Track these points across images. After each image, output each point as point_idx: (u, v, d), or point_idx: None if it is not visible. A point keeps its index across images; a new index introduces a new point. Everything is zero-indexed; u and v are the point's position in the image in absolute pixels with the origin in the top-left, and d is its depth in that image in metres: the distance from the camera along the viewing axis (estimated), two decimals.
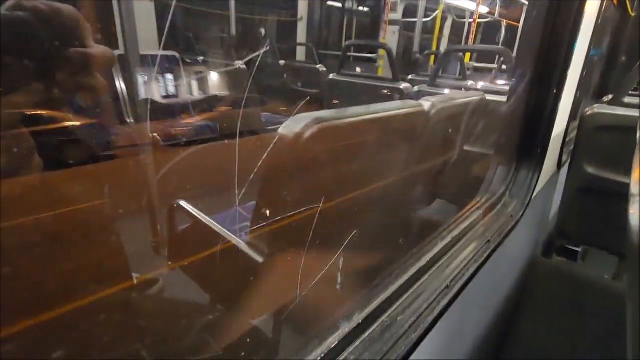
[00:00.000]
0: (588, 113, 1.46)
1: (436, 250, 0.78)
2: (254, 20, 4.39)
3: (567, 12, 0.95)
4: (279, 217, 0.80)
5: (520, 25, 5.92)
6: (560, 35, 0.96)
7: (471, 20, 5.90)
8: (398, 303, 0.63)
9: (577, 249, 2.18)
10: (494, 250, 0.87)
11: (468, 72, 3.88)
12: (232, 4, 3.23)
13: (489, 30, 6.92)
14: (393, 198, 1.04)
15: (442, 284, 0.69)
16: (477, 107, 1.42)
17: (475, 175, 1.23)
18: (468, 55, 4.94)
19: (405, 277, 0.67)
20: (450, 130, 1.22)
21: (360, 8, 5.82)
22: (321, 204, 0.78)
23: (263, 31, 4.39)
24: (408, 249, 0.84)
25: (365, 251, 0.97)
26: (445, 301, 0.66)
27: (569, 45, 0.98)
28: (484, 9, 6.16)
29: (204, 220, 0.88)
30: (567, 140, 1.49)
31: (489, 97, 1.53)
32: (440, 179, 1.23)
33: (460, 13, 6.76)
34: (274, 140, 0.77)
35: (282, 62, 3.40)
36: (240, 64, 2.29)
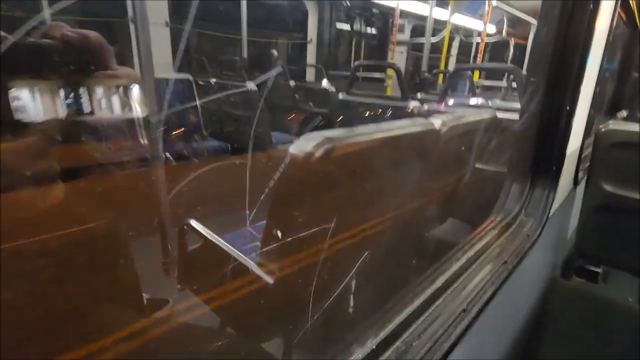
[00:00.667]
0: (603, 130, 1.44)
1: (451, 271, 0.75)
2: (265, 43, 4.52)
3: (578, 28, 0.94)
4: (290, 238, 0.79)
5: (529, 43, 5.95)
6: (572, 51, 0.96)
7: (479, 39, 5.96)
8: (413, 327, 0.60)
9: (597, 269, 2.10)
10: (511, 272, 0.84)
11: (477, 90, 3.89)
12: (244, 28, 3.32)
13: (496, 49, 6.98)
14: (405, 217, 1.02)
15: (459, 307, 0.67)
16: (488, 124, 1.41)
17: (488, 193, 1.20)
18: (477, 73, 4.96)
19: (419, 300, 0.65)
20: (462, 148, 1.20)
21: (368, 30, 5.94)
22: (332, 224, 0.77)
23: (275, 53, 4.50)
24: (421, 270, 0.81)
25: (377, 271, 0.95)
26: (463, 325, 0.63)
27: (581, 61, 0.97)
28: (491, 29, 6.22)
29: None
30: (582, 157, 1.46)
31: (500, 114, 1.52)
32: (453, 198, 1.20)
33: (468, 33, 6.86)
34: (284, 160, 0.77)
35: (292, 82, 3.46)
36: (251, 85, 2.33)
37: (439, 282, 0.70)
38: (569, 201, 1.55)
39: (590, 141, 1.55)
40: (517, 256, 0.90)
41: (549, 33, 0.95)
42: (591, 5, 0.94)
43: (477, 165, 1.29)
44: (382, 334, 0.55)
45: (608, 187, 1.56)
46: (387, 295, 0.70)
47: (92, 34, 0.37)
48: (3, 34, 0.45)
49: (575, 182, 1.49)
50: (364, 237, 0.92)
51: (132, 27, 2.74)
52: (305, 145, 0.77)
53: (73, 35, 0.35)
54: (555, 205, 1.18)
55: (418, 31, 5.84)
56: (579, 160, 1.42)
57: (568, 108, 1.00)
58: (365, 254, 0.88)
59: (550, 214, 1.11)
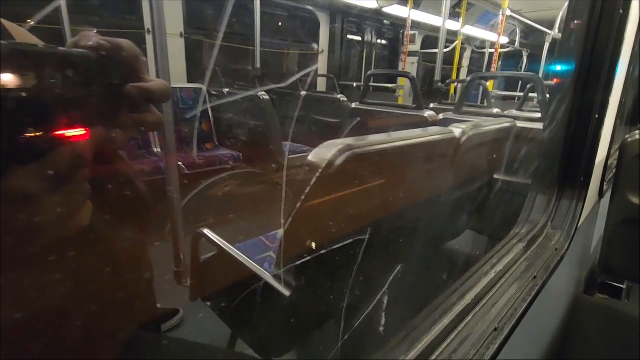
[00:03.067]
0: (629, 140, 1.38)
1: (480, 286, 0.71)
2: (278, 54, 4.56)
3: (607, 35, 0.91)
4: (313, 248, 0.76)
5: (544, 53, 5.88)
6: (601, 59, 0.92)
7: (492, 50, 5.93)
8: (443, 346, 0.56)
9: (621, 285, 2.01)
10: (541, 288, 0.80)
11: (492, 100, 3.83)
12: (258, 39, 3.35)
13: (510, 59, 6.93)
14: (423, 227, 0.98)
15: (490, 325, 0.62)
16: (508, 134, 1.37)
17: (509, 204, 1.16)
18: (491, 82, 4.92)
19: (449, 317, 0.61)
20: (481, 158, 1.16)
21: (379, 41, 5.94)
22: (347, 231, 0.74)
23: (286, 64, 4.54)
24: (441, 285, 0.78)
25: (397, 285, 0.91)
26: (496, 346, 0.59)
27: (610, 68, 0.94)
28: (503, 39, 6.18)
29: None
30: (607, 168, 1.40)
31: (518, 123, 1.48)
32: (472, 208, 1.16)
33: (479, 44, 6.83)
34: (303, 168, 0.74)
35: (303, 92, 3.46)
36: (263, 95, 2.34)
37: (468, 298, 0.67)
38: (594, 214, 1.49)
39: (615, 152, 1.50)
40: (547, 271, 0.85)
41: (576, 40, 0.92)
42: (621, 10, 0.91)
43: (497, 176, 1.25)
44: (412, 355, 0.51)
45: (635, 200, 1.50)
46: (411, 312, 0.67)
47: (126, 42, 0.34)
48: (38, 42, 0.43)
49: (600, 193, 1.43)
50: (379, 243, 0.89)
51: (148, 38, 2.79)
52: (325, 152, 0.74)
53: (106, 44, 0.32)
54: (582, 217, 1.13)
55: (429, 42, 5.84)
56: (605, 171, 1.37)
57: (597, 116, 0.96)
58: (377, 264, 0.85)
59: (578, 226, 1.06)
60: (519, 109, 2.60)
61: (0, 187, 0.27)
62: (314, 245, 0.77)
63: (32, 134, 0.28)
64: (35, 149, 0.28)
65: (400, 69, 5.29)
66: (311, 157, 0.75)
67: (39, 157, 0.28)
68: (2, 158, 0.27)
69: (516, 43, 6.68)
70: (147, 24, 2.84)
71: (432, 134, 1.03)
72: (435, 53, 4.31)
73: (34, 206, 0.29)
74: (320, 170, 0.74)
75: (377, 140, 0.85)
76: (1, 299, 0.30)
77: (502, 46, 6.15)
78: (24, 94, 0.27)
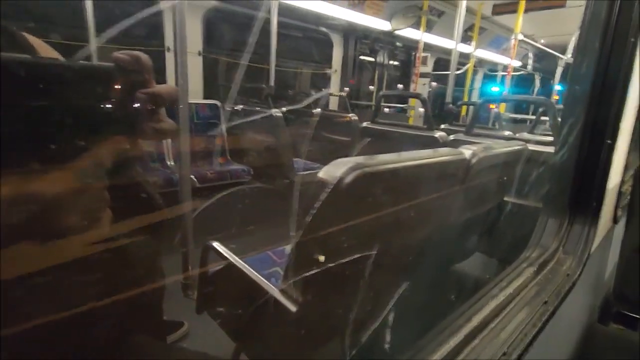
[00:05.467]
0: None
1: (487, 309, 0.70)
2: (291, 73, 4.66)
3: (619, 60, 0.92)
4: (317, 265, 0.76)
5: (556, 76, 5.87)
6: (612, 84, 0.93)
7: (504, 73, 5.95)
8: None
9: (638, 316, 1.93)
10: (552, 313, 0.78)
11: (503, 123, 3.83)
12: (273, 58, 3.44)
13: (521, 82, 6.93)
14: (432, 247, 0.97)
15: (499, 350, 0.61)
16: (519, 156, 1.37)
17: (520, 228, 1.14)
18: (503, 105, 4.91)
19: (455, 340, 0.60)
20: (492, 180, 1.16)
21: (391, 62, 6.03)
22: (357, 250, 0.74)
23: (299, 83, 4.62)
24: (448, 305, 0.77)
25: (400, 305, 0.90)
26: None
27: (622, 93, 0.94)
28: (516, 63, 6.20)
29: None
30: (621, 192, 1.38)
31: (530, 146, 1.47)
32: (482, 230, 1.15)
33: (491, 66, 6.87)
34: (313, 184, 0.75)
35: (317, 110, 3.51)
36: (276, 112, 2.37)
37: (475, 321, 0.66)
38: (608, 240, 1.46)
39: (629, 176, 1.48)
40: (558, 296, 0.84)
41: (587, 64, 0.93)
42: (632, 39, 0.92)
43: (507, 198, 1.24)
44: None
45: None
46: (417, 333, 0.66)
47: (143, 55, 0.37)
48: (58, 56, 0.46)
49: (615, 219, 1.40)
50: (387, 262, 0.88)
51: (167, 55, 2.89)
52: (336, 170, 0.76)
53: (125, 57, 0.35)
54: (595, 243, 1.11)
55: (441, 64, 5.90)
56: (619, 196, 1.35)
57: (609, 141, 0.96)
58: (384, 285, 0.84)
59: (591, 252, 1.04)
60: (531, 132, 2.60)
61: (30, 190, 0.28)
62: (321, 260, 0.77)
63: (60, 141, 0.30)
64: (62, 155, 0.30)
65: (411, 89, 5.32)
66: (322, 174, 0.76)
67: (67, 161, 0.30)
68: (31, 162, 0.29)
69: (528, 66, 6.70)
70: (167, 42, 2.93)
71: (443, 154, 1.04)
72: (447, 75, 4.35)
73: (61, 211, 0.30)
74: (330, 187, 0.75)
75: (387, 160, 0.86)
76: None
77: (515, 69, 6.17)
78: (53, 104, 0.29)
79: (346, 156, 0.79)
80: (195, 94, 3.21)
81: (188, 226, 0.82)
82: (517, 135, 2.33)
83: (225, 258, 0.83)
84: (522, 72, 6.62)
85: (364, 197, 0.83)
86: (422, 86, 5.63)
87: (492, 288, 0.80)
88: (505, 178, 1.22)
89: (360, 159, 0.79)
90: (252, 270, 0.82)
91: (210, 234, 0.87)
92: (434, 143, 2.13)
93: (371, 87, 5.58)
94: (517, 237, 1.05)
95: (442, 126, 2.96)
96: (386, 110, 5.24)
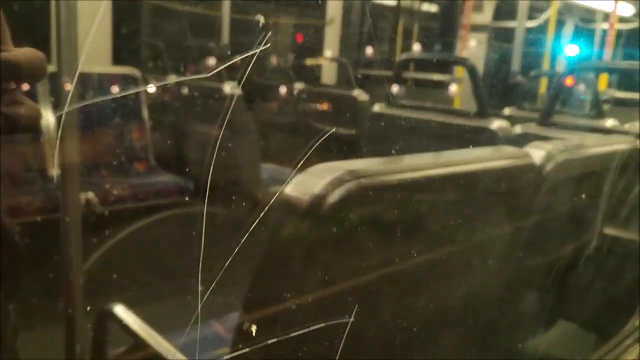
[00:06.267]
0: None
1: None
2: (258, 25, 2.46)
3: None
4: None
5: None
6: None
7: (607, 26, 3.94)
8: None
9: None
10: None
11: (607, 106, 2.88)
12: (227, 3, 2.16)
13: (635, 41, 4.49)
14: (479, 317, 0.66)
15: None
16: (627, 161, 0.95)
17: (628, 279, 0.76)
18: (604, 81, 3.43)
19: None
20: (580, 199, 0.79)
21: (425, 8, 4.02)
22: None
23: (274, 41, 2.81)
24: None
25: None
26: None
27: None
28: (627, 9, 4.12)
29: None
30: None
31: None
32: (566, 286, 0.78)
33: (587, 15, 4.96)
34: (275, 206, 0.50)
35: (298, 85, 2.39)
36: (232, 88, 1.50)
37: None
38: None
39: None
40: None
41: None
42: None
43: (608, 231, 0.85)
44: None
45: None
46: None
47: None
48: None
49: None
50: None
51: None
52: (312, 183, 0.48)
53: None
54: None
55: (506, 11, 3.83)
56: None
57: None
58: None
59: None
60: None
61: None
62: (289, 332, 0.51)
63: None
64: None
65: (458, 51, 3.59)
66: (290, 189, 0.49)
67: None
68: None
69: None
70: None
71: (492, 157, 0.71)
72: (514, 29, 3.04)
73: None
74: (301, 212, 0.49)
75: (399, 166, 0.57)
76: None
77: (623, 19, 4.13)
78: None
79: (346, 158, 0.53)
80: (98, 58, 1.91)
81: (76, 280, 0.59)
82: (627, 126, 1.75)
83: (135, 333, 0.57)
84: (635, 24, 4.40)
85: (359, 229, 0.55)
86: (477, 45, 3.73)
87: None
88: (605, 196, 0.83)
89: (354, 164, 0.51)
90: (178, 354, 0.54)
91: (113, 293, 0.63)
92: (489, 138, 1.49)
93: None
94: (625, 295, 0.68)
95: (507, 111, 2.20)
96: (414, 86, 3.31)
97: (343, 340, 0.45)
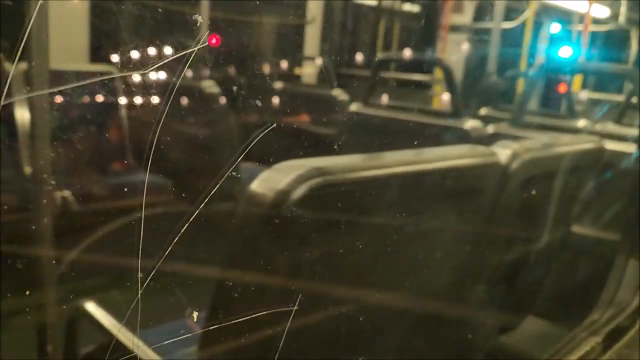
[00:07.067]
0: None
1: None
2: (239, 25, 2.42)
3: None
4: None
5: None
6: None
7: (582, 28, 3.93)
8: None
9: None
10: None
11: (579, 107, 2.96)
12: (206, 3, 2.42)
13: (609, 43, 4.63)
14: (441, 315, 0.68)
15: None
16: (592, 161, 0.99)
17: (588, 275, 0.79)
18: (578, 81, 3.44)
19: None
20: (544, 198, 0.82)
21: (406, 9, 4.04)
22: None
23: (254, 40, 2.75)
24: None
25: None
26: None
27: None
28: (602, 11, 4.08)
29: None
30: None
31: (610, 145, 1.07)
32: (528, 282, 0.81)
33: (562, 17, 4.81)
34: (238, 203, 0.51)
35: (276, 84, 2.44)
36: (209, 87, 1.53)
37: None
38: None
39: None
40: None
41: None
42: None
43: (579, 229, 0.88)
44: None
45: None
46: None
47: None
48: None
49: None
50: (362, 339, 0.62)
51: None
52: (276, 178, 0.49)
53: None
54: None
55: (486, 12, 3.78)
56: None
57: None
58: None
59: None
60: (619, 121, 2.00)
61: None
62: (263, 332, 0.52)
63: None
64: None
65: (438, 51, 3.59)
66: (256, 185, 0.50)
67: None
68: None
69: (620, 17, 4.26)
70: None
71: (458, 156, 0.72)
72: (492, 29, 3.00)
73: None
74: (265, 208, 0.50)
75: (365, 164, 0.59)
76: None
77: (597, 21, 4.15)
78: None
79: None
80: (76, 54, 1.86)
81: (47, 280, 0.58)
82: (598, 127, 1.80)
83: (108, 331, 0.57)
84: (609, 27, 4.43)
85: (322, 227, 0.56)
86: (456, 46, 3.73)
87: None
88: (568, 195, 0.86)
89: (320, 162, 0.52)
90: (152, 353, 0.54)
91: (86, 291, 0.63)
92: (462, 138, 1.52)
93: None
94: (587, 290, 0.71)
95: (483, 111, 2.21)
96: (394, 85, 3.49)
97: (287, 329, 0.46)
